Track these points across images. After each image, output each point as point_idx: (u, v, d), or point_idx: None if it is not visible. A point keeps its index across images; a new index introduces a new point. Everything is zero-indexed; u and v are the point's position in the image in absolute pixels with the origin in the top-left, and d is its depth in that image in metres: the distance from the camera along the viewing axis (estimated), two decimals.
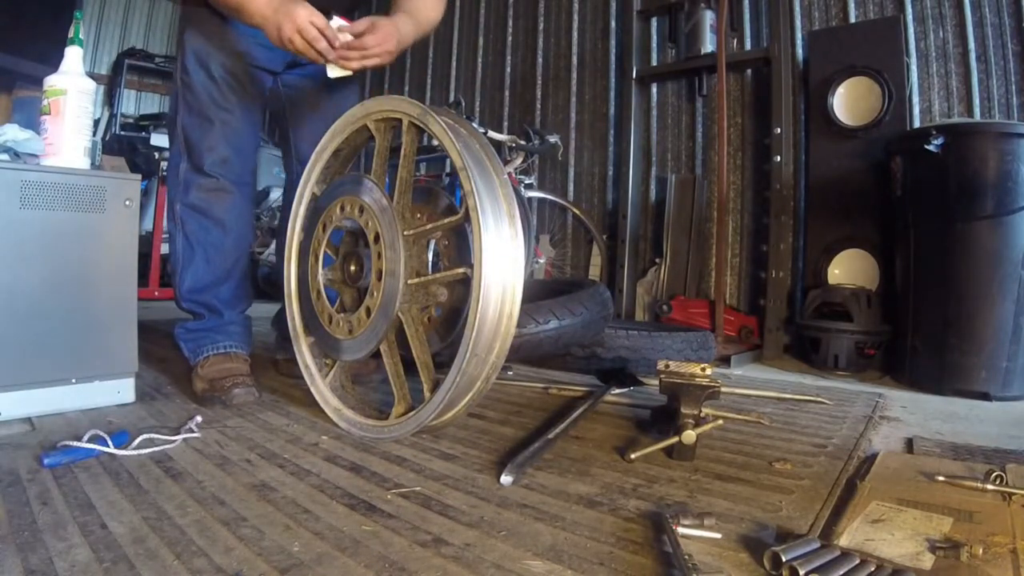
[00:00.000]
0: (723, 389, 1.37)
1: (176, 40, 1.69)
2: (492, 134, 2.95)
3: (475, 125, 2.30)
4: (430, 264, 1.44)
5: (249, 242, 1.71)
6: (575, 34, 3.62)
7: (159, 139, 4.17)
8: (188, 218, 1.57)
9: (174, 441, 1.15)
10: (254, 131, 1.68)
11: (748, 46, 3.00)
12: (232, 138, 1.59)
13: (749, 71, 3.01)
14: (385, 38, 1.37)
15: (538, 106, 3.75)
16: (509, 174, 2.90)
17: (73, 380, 1.32)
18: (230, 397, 1.43)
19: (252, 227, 1.72)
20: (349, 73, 1.38)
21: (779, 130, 2.70)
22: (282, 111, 1.74)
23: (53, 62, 1.33)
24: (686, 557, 0.75)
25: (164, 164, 3.91)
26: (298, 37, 1.31)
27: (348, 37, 1.34)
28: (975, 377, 1.91)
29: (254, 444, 1.18)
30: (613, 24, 3.45)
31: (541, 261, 3.44)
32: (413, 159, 1.30)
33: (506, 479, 1.02)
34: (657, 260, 3.17)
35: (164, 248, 3.43)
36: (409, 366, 1.25)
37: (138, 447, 1.10)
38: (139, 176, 1.46)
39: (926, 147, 1.95)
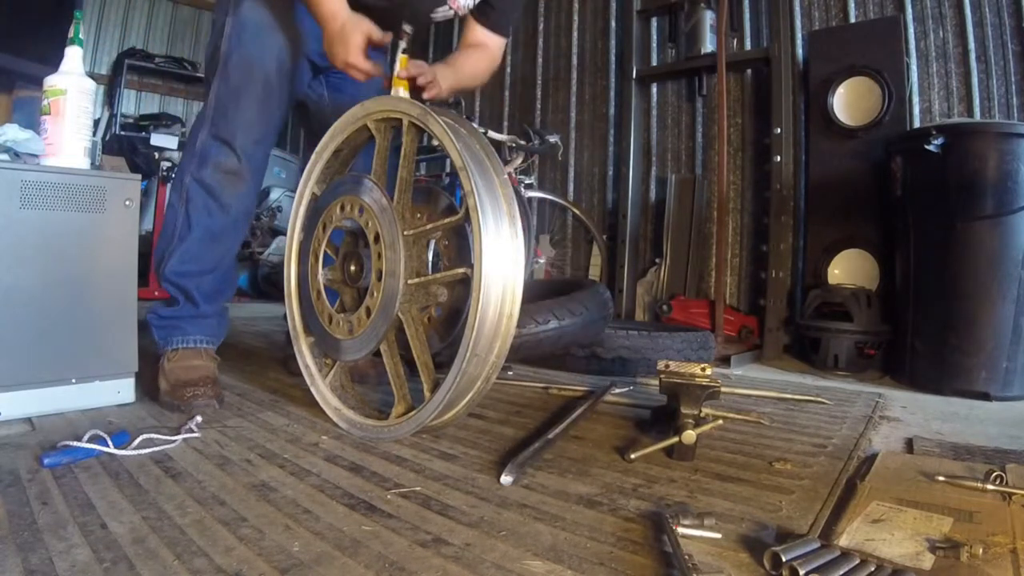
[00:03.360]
0: (723, 389, 1.37)
1: (218, 5, 1.55)
2: (492, 134, 2.95)
3: (475, 125, 2.30)
4: (430, 264, 1.44)
5: (244, 233, 1.65)
6: (575, 34, 3.62)
7: (159, 139, 4.17)
8: (195, 195, 1.48)
9: (174, 441, 1.15)
10: (282, 123, 1.61)
11: (748, 46, 3.00)
12: (270, 122, 1.54)
13: (749, 71, 3.01)
14: (431, 88, 1.42)
15: (538, 106, 3.75)
16: (509, 174, 2.90)
17: (73, 380, 1.32)
18: (190, 408, 1.38)
19: (251, 219, 1.70)
20: None
21: (779, 130, 2.70)
22: (318, 108, 1.69)
23: (53, 62, 1.32)
24: (686, 557, 0.75)
25: (164, 164, 3.91)
26: (345, 68, 1.39)
27: (401, 92, 1.37)
28: (975, 377, 1.91)
29: (254, 444, 1.18)
30: (613, 24, 3.45)
31: (541, 261, 3.44)
32: (413, 159, 1.30)
33: (506, 479, 1.02)
34: (657, 260, 3.17)
35: None
36: (409, 366, 1.25)
37: (138, 447, 1.10)
38: (139, 176, 1.45)
39: (926, 147, 1.95)
